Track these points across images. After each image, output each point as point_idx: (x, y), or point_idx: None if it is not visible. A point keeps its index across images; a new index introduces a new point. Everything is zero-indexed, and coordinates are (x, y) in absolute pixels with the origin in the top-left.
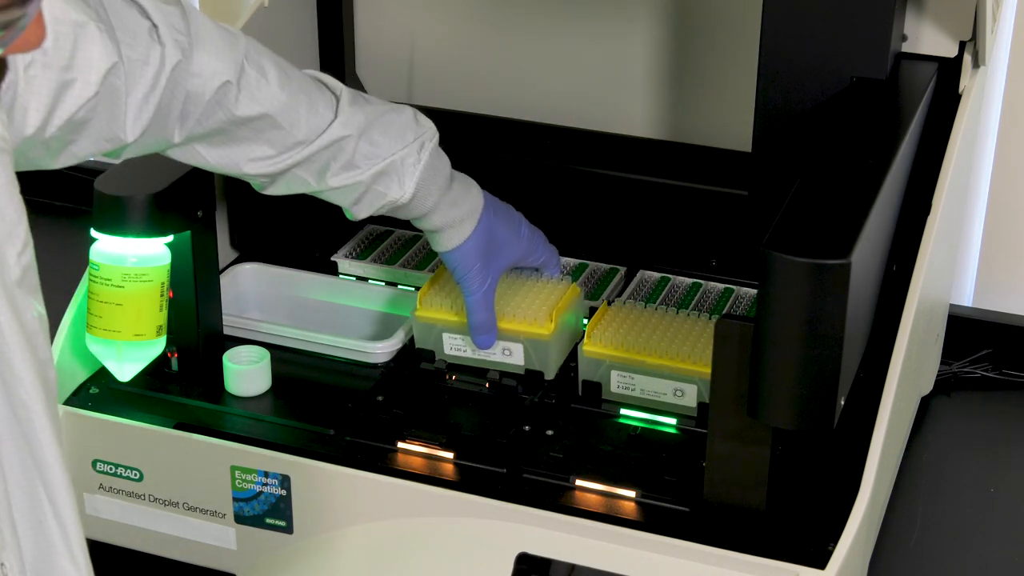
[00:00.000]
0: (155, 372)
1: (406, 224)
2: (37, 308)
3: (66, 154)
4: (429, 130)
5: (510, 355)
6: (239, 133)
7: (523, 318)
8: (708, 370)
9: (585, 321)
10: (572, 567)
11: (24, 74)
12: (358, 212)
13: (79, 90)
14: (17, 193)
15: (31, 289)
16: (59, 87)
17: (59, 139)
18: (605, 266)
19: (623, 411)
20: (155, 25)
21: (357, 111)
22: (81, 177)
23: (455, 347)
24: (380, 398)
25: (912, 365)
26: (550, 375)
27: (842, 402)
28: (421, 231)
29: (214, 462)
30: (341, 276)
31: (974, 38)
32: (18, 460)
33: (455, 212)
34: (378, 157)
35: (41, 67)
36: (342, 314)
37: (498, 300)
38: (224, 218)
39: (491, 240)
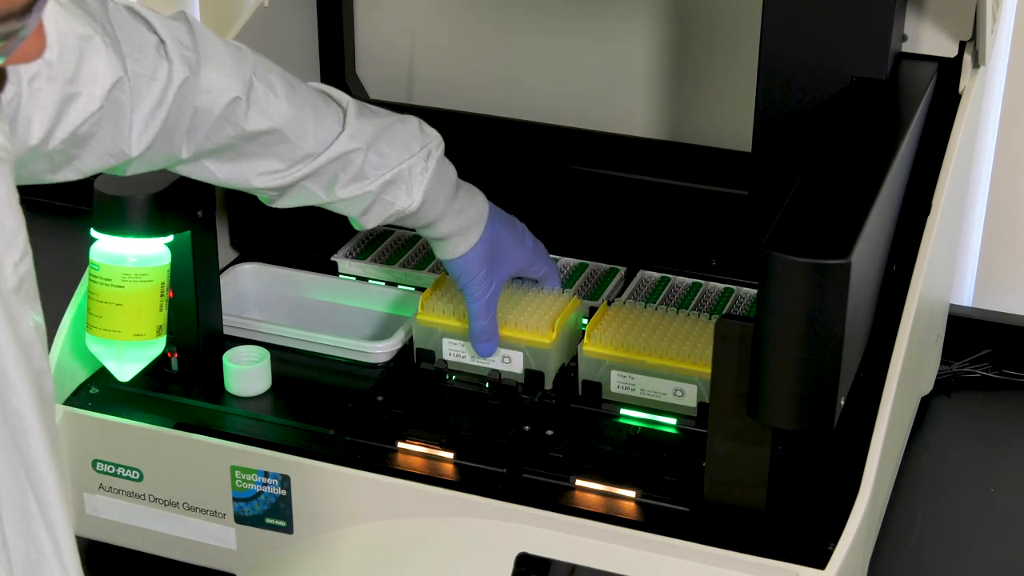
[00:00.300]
0: (155, 372)
1: None
2: (34, 318)
3: (69, 168)
4: (435, 139)
5: (509, 363)
6: (248, 148)
7: (525, 326)
8: (708, 370)
9: (585, 323)
10: (572, 567)
11: (28, 87)
12: (366, 222)
13: (83, 104)
14: (17, 203)
15: (28, 298)
16: (63, 100)
17: (62, 152)
18: (605, 266)
19: (623, 411)
20: (162, 41)
21: (364, 123)
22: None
23: (455, 352)
24: (380, 398)
25: (912, 365)
26: (547, 385)
27: (842, 402)
28: (426, 240)
29: (214, 462)
30: (341, 276)
31: (974, 38)
32: (9, 469)
33: (461, 220)
34: (386, 167)
35: (46, 80)
36: (342, 314)
37: (500, 309)
38: (224, 218)
39: (496, 248)
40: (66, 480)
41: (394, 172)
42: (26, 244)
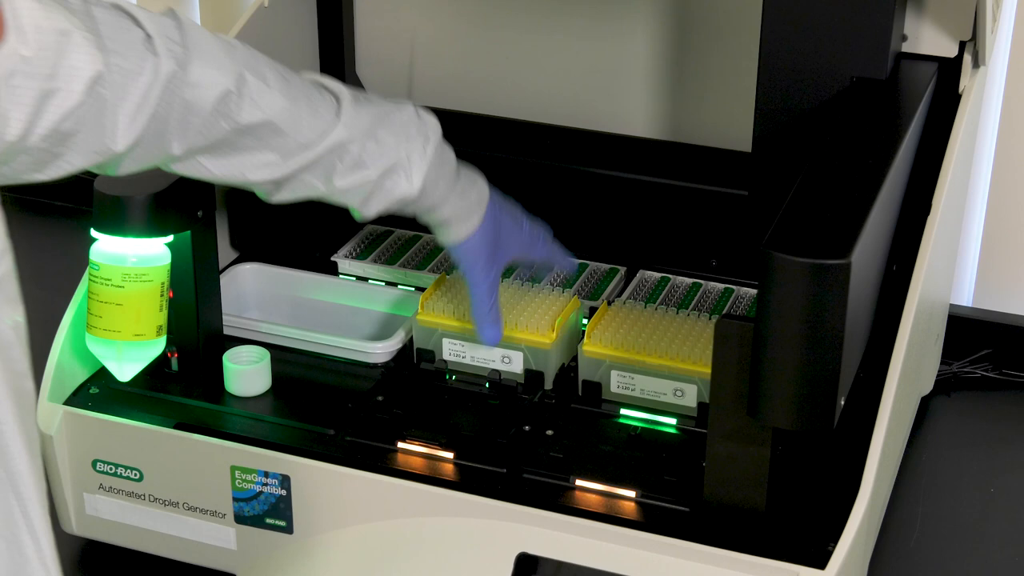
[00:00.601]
0: (155, 372)
1: (406, 224)
2: (13, 317)
3: (54, 167)
4: (432, 124)
5: (509, 363)
6: (242, 142)
7: (525, 326)
8: (708, 370)
9: (585, 323)
10: (559, 565)
11: (6, 84)
12: (367, 211)
13: (63, 99)
14: None
15: (8, 298)
16: (42, 96)
17: (45, 150)
18: (605, 266)
19: (623, 411)
20: (149, 36)
21: (359, 111)
22: (81, 177)
23: (455, 352)
24: (380, 398)
25: (912, 365)
26: (547, 385)
27: (842, 402)
28: (428, 226)
29: (214, 462)
30: (341, 276)
31: (974, 38)
32: None
33: (463, 204)
34: (384, 155)
35: (23, 77)
36: (342, 314)
37: (500, 309)
38: (224, 218)
39: (498, 231)
40: (43, 481)
41: (393, 159)
42: (6, 243)
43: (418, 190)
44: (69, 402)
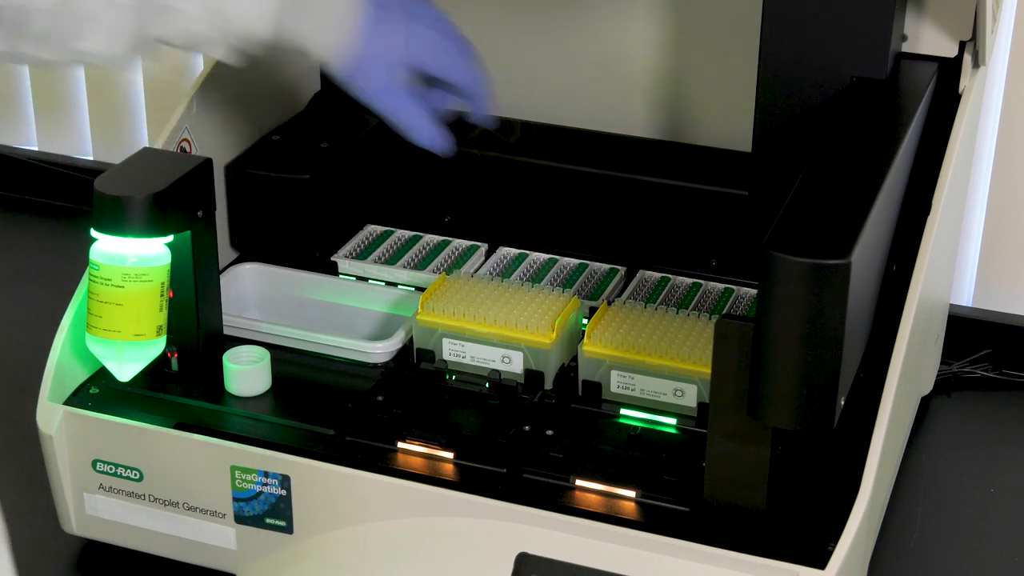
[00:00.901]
0: (155, 372)
1: (406, 224)
2: None
3: None
4: None
5: (509, 363)
6: (43, 20)
7: (525, 326)
8: (708, 370)
9: (585, 323)
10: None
11: None
12: (228, 59)
13: None
14: None
15: None
16: None
17: None
18: (605, 266)
19: (623, 411)
20: None
21: None
22: (81, 177)
23: (455, 352)
24: (380, 398)
25: (912, 365)
26: (547, 385)
27: (842, 402)
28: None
29: (214, 462)
30: (341, 276)
31: (974, 38)
32: None
33: (331, 28)
34: None
35: None
36: (342, 314)
37: (499, 309)
38: (224, 218)
39: (391, 40)
40: None
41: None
42: None
43: (268, 31)
44: (69, 402)
